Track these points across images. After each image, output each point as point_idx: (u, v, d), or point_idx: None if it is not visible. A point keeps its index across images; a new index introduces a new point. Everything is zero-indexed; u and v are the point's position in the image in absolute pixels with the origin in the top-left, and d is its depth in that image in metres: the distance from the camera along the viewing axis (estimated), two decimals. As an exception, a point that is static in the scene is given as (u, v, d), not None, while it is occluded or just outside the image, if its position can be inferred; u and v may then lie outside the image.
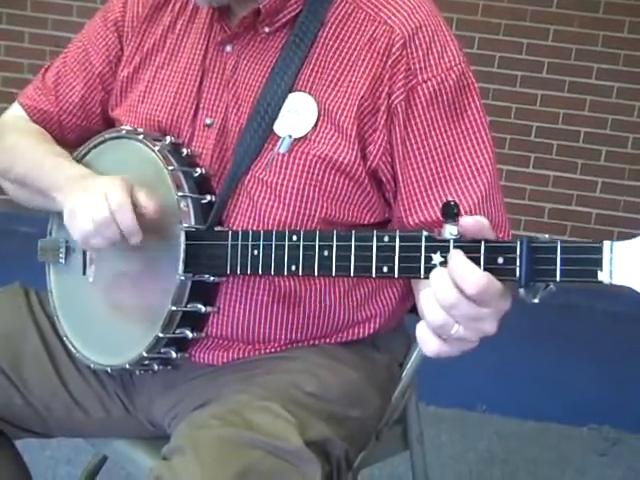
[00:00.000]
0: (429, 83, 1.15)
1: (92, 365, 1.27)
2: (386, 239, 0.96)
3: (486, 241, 0.88)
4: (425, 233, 0.93)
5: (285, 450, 1.05)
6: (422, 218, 1.17)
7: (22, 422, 1.32)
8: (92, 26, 1.37)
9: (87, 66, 1.36)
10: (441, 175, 1.17)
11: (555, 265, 0.84)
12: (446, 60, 1.17)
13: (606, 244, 0.82)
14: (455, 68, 1.17)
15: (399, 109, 1.15)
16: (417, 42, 1.16)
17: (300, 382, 1.18)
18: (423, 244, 0.92)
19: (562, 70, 3.70)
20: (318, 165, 1.16)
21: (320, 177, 1.17)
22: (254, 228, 1.18)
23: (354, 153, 1.16)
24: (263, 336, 1.23)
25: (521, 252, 0.86)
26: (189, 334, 1.19)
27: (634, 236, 0.82)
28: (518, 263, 0.86)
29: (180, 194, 1.16)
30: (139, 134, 1.23)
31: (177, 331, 1.18)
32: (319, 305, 1.23)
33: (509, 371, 2.85)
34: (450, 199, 0.91)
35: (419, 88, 1.15)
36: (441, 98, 1.16)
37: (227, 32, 1.23)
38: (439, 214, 1.15)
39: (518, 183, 3.74)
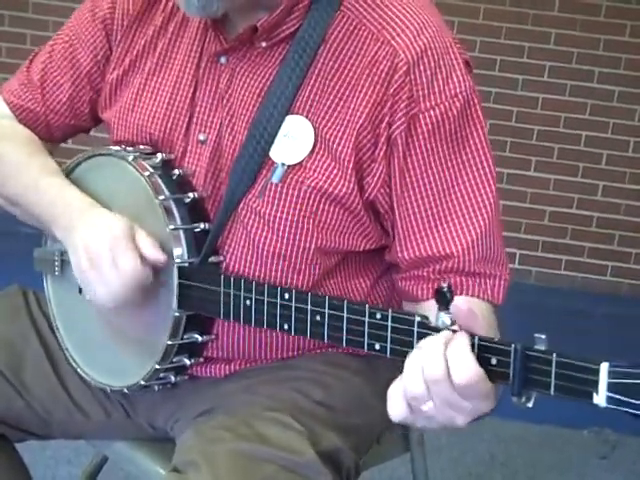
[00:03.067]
0: (432, 112, 1.09)
1: (93, 383, 1.27)
2: (378, 317, 0.94)
3: (480, 339, 0.86)
4: (417, 318, 0.91)
5: (298, 464, 1.05)
6: (418, 254, 1.13)
7: (23, 425, 1.32)
8: (79, 19, 1.31)
9: (74, 63, 1.30)
10: (440, 209, 1.12)
11: (550, 378, 0.82)
12: (451, 87, 1.10)
13: (603, 367, 0.79)
14: (460, 95, 1.11)
15: (399, 140, 1.10)
16: (421, 67, 1.09)
17: (306, 390, 1.17)
18: (415, 329, 0.91)
19: (563, 74, 3.70)
20: (312, 196, 1.12)
21: (315, 208, 1.13)
22: (249, 259, 1.15)
23: (350, 185, 1.11)
24: (263, 355, 1.22)
25: (515, 359, 0.83)
26: (187, 361, 1.18)
27: (633, 364, 0.79)
28: (512, 369, 0.84)
29: (172, 227, 1.13)
30: (129, 154, 1.19)
31: (175, 359, 1.17)
32: None
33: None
34: (443, 285, 0.88)
35: (421, 117, 1.09)
36: (443, 128, 1.10)
37: (222, 44, 1.17)
38: (435, 251, 1.12)
39: (519, 186, 3.75)
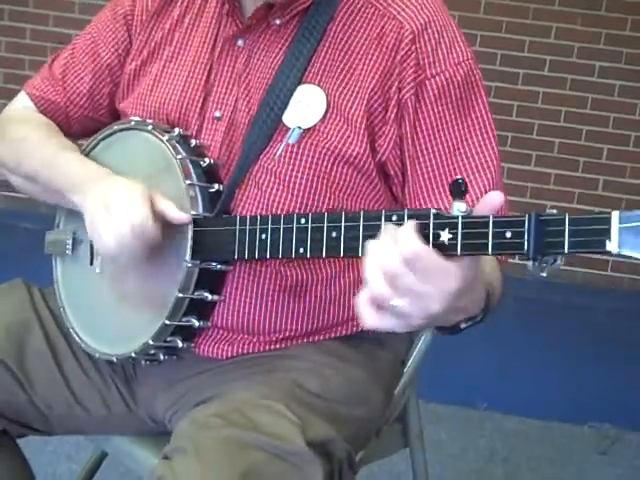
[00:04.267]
0: (437, 78, 1.17)
1: (98, 355, 1.27)
2: (394, 218, 0.96)
3: (494, 216, 0.89)
4: (433, 210, 0.92)
5: (287, 451, 1.05)
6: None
7: (24, 419, 1.32)
8: (101, 19, 1.38)
9: (95, 58, 1.36)
10: (446, 169, 1.18)
11: (563, 237, 0.84)
12: (454, 55, 1.18)
13: (614, 214, 0.82)
14: (463, 64, 1.18)
15: (409, 104, 1.17)
16: (426, 37, 1.17)
17: (303, 381, 1.19)
18: (431, 221, 0.91)
19: (564, 68, 3.69)
20: (327, 157, 1.18)
21: (328, 169, 1.18)
22: None
23: (363, 146, 1.17)
24: (268, 327, 1.24)
25: (529, 225, 0.86)
26: (195, 322, 1.19)
27: None
28: (526, 237, 0.86)
29: (188, 182, 1.17)
30: (148, 125, 1.24)
31: (183, 319, 1.18)
32: (325, 296, 1.24)
33: (510, 369, 2.84)
34: (458, 177, 0.91)
35: (427, 83, 1.17)
36: (449, 93, 1.18)
37: (239, 26, 1.23)
38: (442, 205, 1.17)
39: (519, 181, 3.74)
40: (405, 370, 1.44)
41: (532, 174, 3.77)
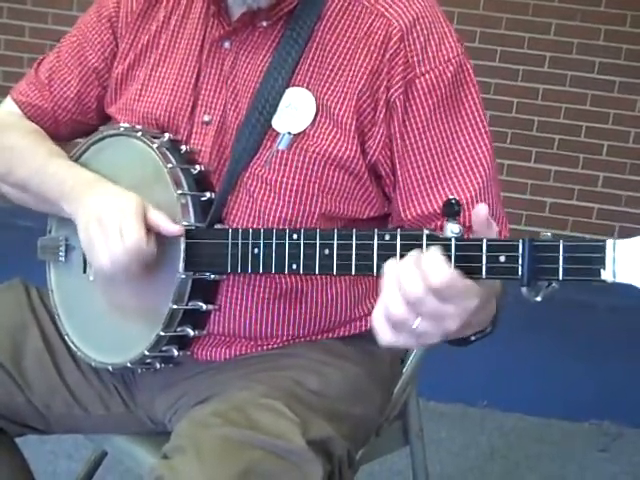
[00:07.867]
0: (427, 76, 1.15)
1: (93, 363, 1.27)
2: (387, 238, 0.95)
3: (488, 239, 0.88)
4: (426, 232, 0.92)
5: (287, 450, 1.05)
6: (419, 211, 1.17)
7: (23, 419, 1.32)
8: (86, 21, 1.35)
9: (82, 61, 1.34)
10: (439, 169, 1.17)
11: (557, 264, 0.84)
12: (444, 52, 1.16)
13: (609, 242, 0.81)
14: (453, 60, 1.17)
15: (398, 103, 1.15)
16: (415, 34, 1.15)
17: (302, 379, 1.18)
18: (424, 243, 0.91)
19: (564, 64, 3.69)
20: (317, 162, 1.16)
21: (320, 174, 1.17)
22: (254, 225, 1.18)
23: (354, 148, 1.16)
24: (265, 332, 1.23)
25: (523, 251, 0.85)
26: (190, 332, 1.19)
27: (636, 233, 0.81)
28: (520, 262, 0.85)
29: (179, 192, 1.15)
30: (137, 131, 1.22)
31: (178, 329, 1.17)
32: (320, 301, 1.23)
33: (510, 367, 2.84)
34: (451, 197, 0.90)
35: (417, 81, 1.15)
36: (439, 91, 1.16)
37: (225, 28, 1.22)
38: (436, 208, 1.16)
39: (519, 177, 3.74)
40: (404, 368, 1.44)
41: (532, 171, 3.77)
